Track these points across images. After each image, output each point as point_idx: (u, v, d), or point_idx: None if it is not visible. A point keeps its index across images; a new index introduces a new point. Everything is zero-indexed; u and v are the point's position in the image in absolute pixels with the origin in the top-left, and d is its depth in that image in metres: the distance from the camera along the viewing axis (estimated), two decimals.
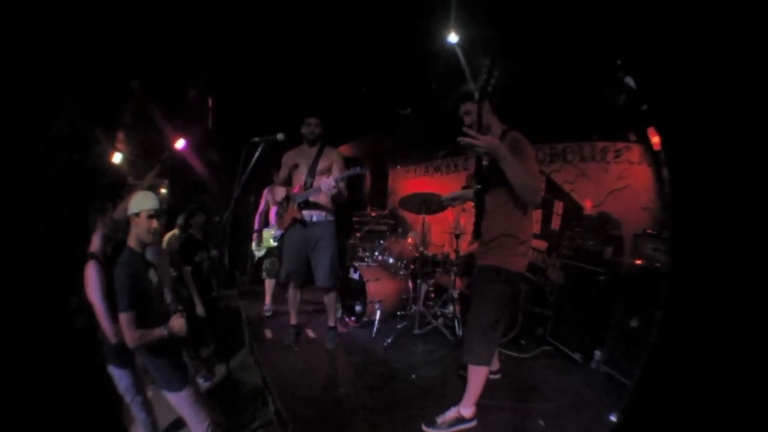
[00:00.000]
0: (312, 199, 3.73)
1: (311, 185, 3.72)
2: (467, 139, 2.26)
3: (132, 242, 2.41)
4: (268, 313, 4.96)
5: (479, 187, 2.58)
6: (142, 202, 2.41)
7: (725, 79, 1.31)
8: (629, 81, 1.53)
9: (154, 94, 4.19)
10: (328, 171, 3.75)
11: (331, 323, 4.03)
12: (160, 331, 2.35)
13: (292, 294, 4.03)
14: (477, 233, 2.63)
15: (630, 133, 4.03)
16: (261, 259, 5.22)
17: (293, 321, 4.14)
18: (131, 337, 2.26)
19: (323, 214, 3.78)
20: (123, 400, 2.50)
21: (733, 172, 1.31)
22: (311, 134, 3.77)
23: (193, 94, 4.90)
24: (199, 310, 3.82)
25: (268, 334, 4.32)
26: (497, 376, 3.22)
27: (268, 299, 5.08)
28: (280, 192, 3.80)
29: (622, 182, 4.25)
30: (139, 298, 2.30)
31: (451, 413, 2.64)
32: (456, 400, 2.70)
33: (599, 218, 3.96)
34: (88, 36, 1.77)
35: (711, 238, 1.33)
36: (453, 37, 4.53)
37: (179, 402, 2.45)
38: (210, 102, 5.27)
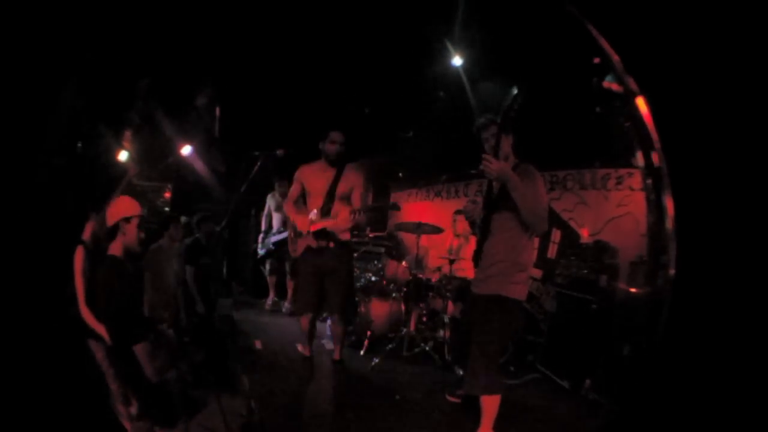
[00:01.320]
0: (329, 227, 3.39)
1: (329, 211, 3.41)
2: (484, 163, 2.34)
3: (116, 251, 2.40)
4: (270, 308, 5.50)
5: (486, 211, 2.61)
6: (131, 208, 2.43)
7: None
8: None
9: (162, 98, 4.25)
10: (348, 196, 3.44)
11: (336, 356, 3.79)
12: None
13: (306, 325, 3.69)
14: (477, 258, 2.64)
15: (633, 158, 4.01)
16: (263, 258, 5.51)
17: (307, 353, 3.83)
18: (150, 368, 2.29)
19: (339, 242, 3.46)
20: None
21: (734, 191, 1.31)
22: (334, 153, 3.41)
23: (201, 101, 4.98)
24: (200, 307, 3.97)
25: (258, 345, 4.27)
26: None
27: (271, 294, 5.57)
28: (291, 211, 3.54)
29: (622, 209, 4.22)
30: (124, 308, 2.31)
31: None
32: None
33: (596, 246, 3.93)
34: (99, 37, 1.81)
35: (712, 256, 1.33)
36: (457, 60, 4.62)
37: None
38: (217, 111, 5.36)
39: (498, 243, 2.55)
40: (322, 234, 3.38)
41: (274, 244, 5.20)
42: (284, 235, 4.94)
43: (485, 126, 2.60)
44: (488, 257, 2.57)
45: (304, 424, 2.82)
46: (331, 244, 3.42)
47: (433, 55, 4.38)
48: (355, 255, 5.70)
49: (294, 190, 3.55)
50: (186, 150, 5.16)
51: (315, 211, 3.41)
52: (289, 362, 3.87)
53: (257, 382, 3.32)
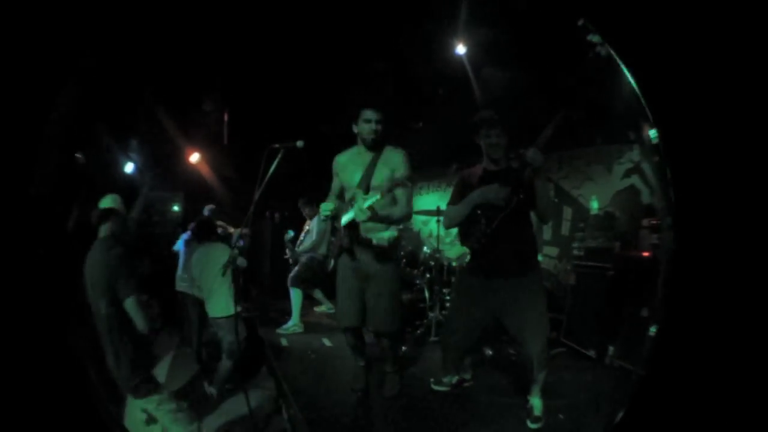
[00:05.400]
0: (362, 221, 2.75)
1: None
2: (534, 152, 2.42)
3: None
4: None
5: (517, 198, 2.58)
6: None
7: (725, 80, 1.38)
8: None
9: (169, 106, 4.27)
10: (387, 184, 2.77)
11: (388, 368, 3.22)
12: None
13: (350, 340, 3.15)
14: (483, 242, 2.64)
15: (631, 132, 4.07)
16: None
17: (361, 362, 3.26)
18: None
19: (376, 242, 2.90)
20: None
21: (734, 165, 1.37)
22: (371, 134, 2.84)
23: (208, 107, 5.00)
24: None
25: (284, 342, 4.36)
26: (471, 383, 3.22)
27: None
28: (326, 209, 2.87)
29: (625, 182, 4.30)
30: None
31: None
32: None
33: (606, 216, 4.00)
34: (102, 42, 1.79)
35: (714, 230, 1.39)
36: (461, 49, 4.66)
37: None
38: (225, 117, 5.37)
39: (519, 228, 2.66)
40: (354, 229, 2.86)
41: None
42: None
43: (492, 123, 2.66)
44: (512, 243, 2.62)
45: (341, 416, 2.84)
46: (367, 243, 2.89)
47: (439, 44, 4.42)
48: None
49: (334, 183, 3.10)
50: (194, 158, 5.24)
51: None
52: (318, 356, 3.97)
53: (286, 378, 3.39)
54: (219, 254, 3.49)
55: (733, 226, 1.35)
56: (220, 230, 4.20)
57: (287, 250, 5.23)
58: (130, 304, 2.33)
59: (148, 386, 2.42)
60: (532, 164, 2.43)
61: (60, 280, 1.77)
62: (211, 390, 3.57)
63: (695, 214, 1.42)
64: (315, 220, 5.01)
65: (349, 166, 2.98)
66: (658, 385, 1.47)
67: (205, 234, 3.86)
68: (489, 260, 2.68)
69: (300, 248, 5.06)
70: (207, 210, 4.91)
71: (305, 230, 5.28)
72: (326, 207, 2.85)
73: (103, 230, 2.52)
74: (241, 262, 3.53)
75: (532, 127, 2.57)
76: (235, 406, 3.22)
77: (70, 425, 1.49)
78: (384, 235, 2.92)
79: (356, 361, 3.25)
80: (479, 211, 2.64)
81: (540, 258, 4.02)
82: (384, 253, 2.89)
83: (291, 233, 5.20)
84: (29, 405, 1.39)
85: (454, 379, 3.12)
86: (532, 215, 2.69)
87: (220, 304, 3.48)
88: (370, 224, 2.80)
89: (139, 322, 2.36)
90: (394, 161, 2.88)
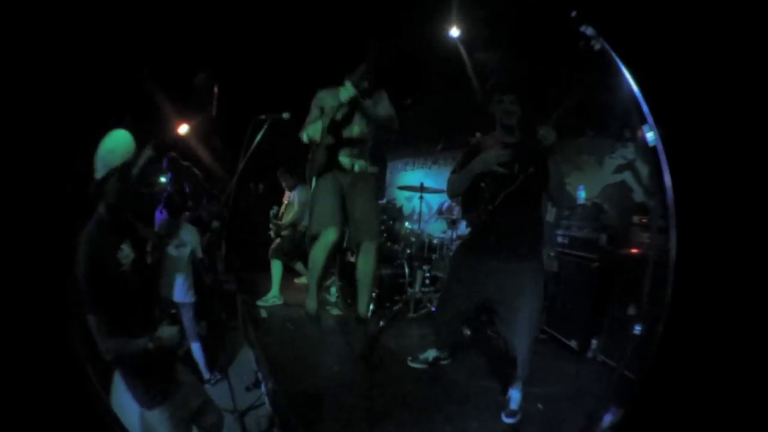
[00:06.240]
0: None
1: None
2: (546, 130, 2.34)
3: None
4: None
5: (523, 175, 2.48)
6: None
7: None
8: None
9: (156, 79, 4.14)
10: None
11: (362, 311, 3.40)
12: (143, 343, 1.87)
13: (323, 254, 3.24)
14: (484, 223, 2.57)
15: (625, 129, 4.05)
16: None
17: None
18: (103, 346, 1.79)
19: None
20: None
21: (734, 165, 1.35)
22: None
23: (199, 79, 4.88)
24: (208, 280, 3.77)
25: (263, 314, 4.34)
26: (447, 361, 3.23)
27: None
28: None
29: (616, 177, 4.29)
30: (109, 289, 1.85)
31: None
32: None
33: (593, 207, 4.00)
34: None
35: (713, 230, 1.37)
36: (455, 32, 4.59)
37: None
38: (215, 89, 5.25)
39: (527, 209, 2.55)
40: None
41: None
42: None
43: (506, 88, 2.55)
44: (516, 224, 2.52)
45: (320, 390, 2.83)
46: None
47: (430, 25, 4.34)
48: None
49: (312, 117, 3.20)
50: (183, 129, 5.08)
51: None
52: (297, 328, 3.95)
53: (265, 351, 3.37)
54: (185, 239, 3.38)
55: (733, 226, 1.34)
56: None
57: (271, 225, 5.15)
58: (90, 322, 1.86)
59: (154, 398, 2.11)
60: (544, 141, 2.34)
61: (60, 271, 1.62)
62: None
63: (695, 214, 1.41)
64: (296, 191, 4.94)
65: (332, 102, 3.03)
66: (654, 386, 1.47)
67: (174, 211, 3.63)
68: (486, 239, 2.59)
69: (284, 222, 4.99)
70: (166, 162, 4.30)
71: (285, 203, 5.21)
72: (315, 128, 3.00)
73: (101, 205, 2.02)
74: (199, 252, 3.44)
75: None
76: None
77: (70, 425, 1.46)
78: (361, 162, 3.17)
79: (310, 302, 3.34)
80: (483, 184, 2.54)
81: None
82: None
83: (276, 208, 5.18)
84: (29, 405, 1.37)
85: (431, 357, 3.13)
86: (544, 204, 2.62)
87: (182, 290, 3.37)
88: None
89: (99, 342, 1.88)
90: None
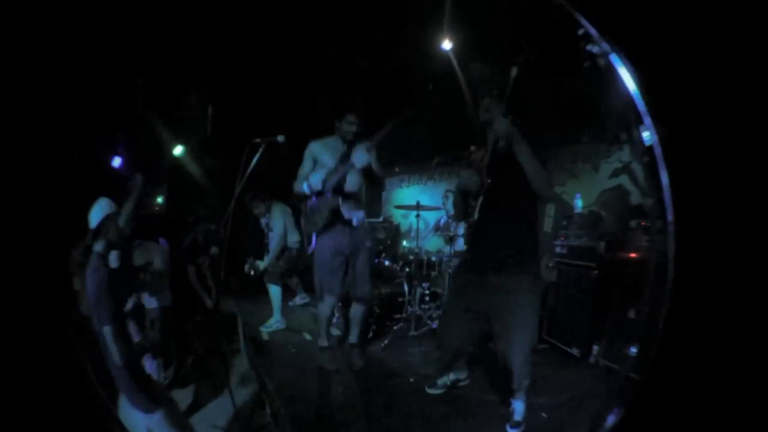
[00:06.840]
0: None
1: None
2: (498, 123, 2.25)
3: None
4: None
5: (490, 180, 2.43)
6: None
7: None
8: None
9: (153, 98, 4.17)
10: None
11: (353, 340, 3.67)
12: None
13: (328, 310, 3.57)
14: (478, 237, 2.53)
15: (621, 132, 4.08)
16: None
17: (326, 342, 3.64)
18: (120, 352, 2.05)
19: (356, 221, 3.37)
20: None
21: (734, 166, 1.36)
22: (349, 135, 3.27)
23: (192, 99, 4.91)
24: (209, 303, 3.89)
25: (265, 336, 4.32)
26: (467, 381, 3.16)
27: None
28: None
29: (613, 182, 4.31)
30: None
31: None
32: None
33: (590, 215, 4.01)
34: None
35: (712, 230, 1.38)
36: (447, 44, 4.64)
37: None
38: (210, 109, 5.26)
39: (509, 216, 2.43)
40: None
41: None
42: None
43: (484, 92, 2.51)
44: (499, 234, 2.43)
45: (324, 411, 2.84)
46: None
47: (422, 39, 4.39)
48: None
49: (304, 169, 3.42)
50: (178, 150, 5.09)
51: None
52: (299, 350, 3.95)
53: (269, 373, 3.31)
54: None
55: (733, 226, 1.35)
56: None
57: (246, 266, 4.84)
58: (105, 334, 2.10)
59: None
60: (499, 135, 2.28)
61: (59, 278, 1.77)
62: None
63: (695, 215, 1.41)
64: (273, 212, 4.74)
65: (324, 153, 3.30)
66: (653, 386, 1.46)
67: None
68: (475, 255, 2.56)
69: (264, 262, 4.73)
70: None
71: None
72: (316, 177, 3.24)
73: (99, 245, 2.26)
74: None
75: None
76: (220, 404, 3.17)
77: (70, 425, 1.47)
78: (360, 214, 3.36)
79: (322, 341, 3.58)
80: (471, 200, 2.49)
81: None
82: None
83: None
84: (29, 405, 1.38)
85: (449, 381, 3.04)
86: (542, 214, 2.58)
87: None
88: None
89: (113, 353, 2.10)
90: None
